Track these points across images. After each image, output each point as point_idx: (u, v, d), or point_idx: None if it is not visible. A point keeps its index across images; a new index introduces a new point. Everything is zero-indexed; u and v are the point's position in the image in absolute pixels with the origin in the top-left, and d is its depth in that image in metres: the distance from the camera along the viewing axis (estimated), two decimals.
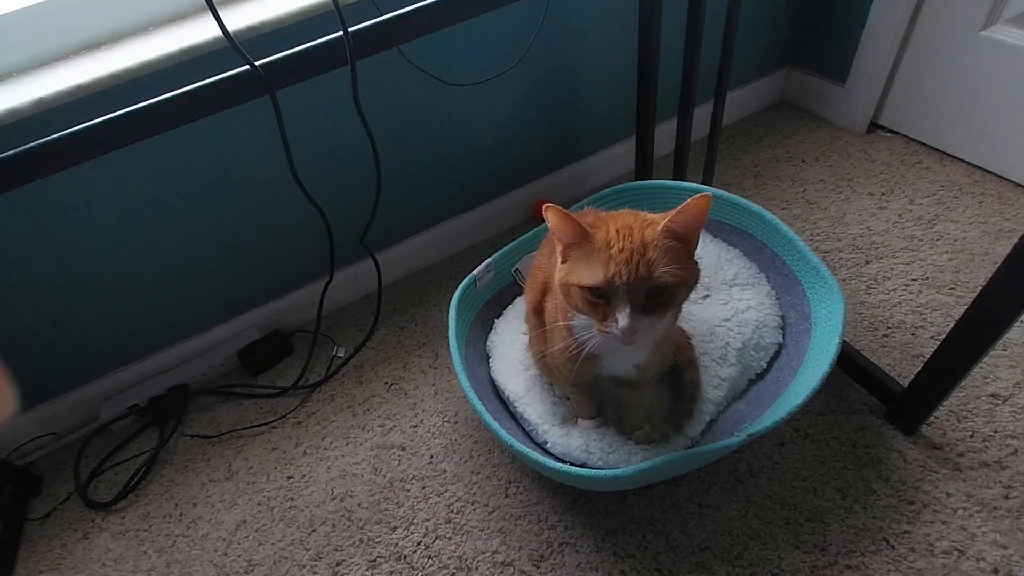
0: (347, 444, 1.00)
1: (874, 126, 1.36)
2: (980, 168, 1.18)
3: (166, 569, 0.90)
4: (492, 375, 0.95)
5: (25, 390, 1.09)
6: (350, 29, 0.76)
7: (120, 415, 1.10)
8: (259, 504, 0.95)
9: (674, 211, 0.57)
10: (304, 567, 0.86)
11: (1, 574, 0.95)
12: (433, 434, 0.98)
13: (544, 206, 0.59)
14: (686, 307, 0.95)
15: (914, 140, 1.29)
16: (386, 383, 1.09)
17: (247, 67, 0.75)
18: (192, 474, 1.02)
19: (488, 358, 0.97)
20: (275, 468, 1.00)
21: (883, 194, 1.19)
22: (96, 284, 1.02)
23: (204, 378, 1.16)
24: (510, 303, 1.04)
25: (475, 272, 0.98)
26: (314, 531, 0.90)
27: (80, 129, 0.71)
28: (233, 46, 0.73)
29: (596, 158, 1.37)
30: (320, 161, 1.05)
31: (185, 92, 0.74)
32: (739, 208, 0.96)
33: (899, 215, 1.14)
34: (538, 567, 0.79)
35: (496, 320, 1.02)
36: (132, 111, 0.73)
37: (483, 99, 1.14)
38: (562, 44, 1.15)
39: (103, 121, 0.72)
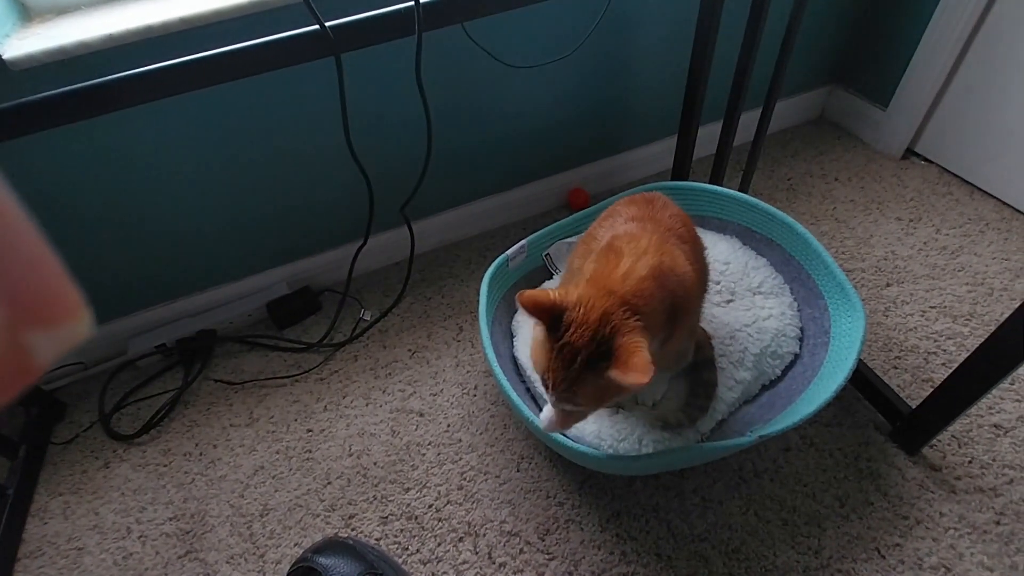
0: (367, 404, 1.04)
1: (910, 152, 1.37)
2: (1009, 206, 1.20)
3: (183, 504, 0.94)
4: (515, 354, 0.98)
5: None
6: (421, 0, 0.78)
7: (147, 352, 1.14)
8: (277, 452, 0.99)
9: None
10: (318, 516, 0.90)
11: (24, 490, 0.99)
12: (452, 404, 1.02)
13: (517, 296, 0.59)
14: (710, 309, 0.98)
15: (947, 171, 1.30)
16: (409, 350, 1.12)
17: (316, 27, 0.77)
18: (214, 417, 1.06)
19: (512, 337, 1.00)
20: (295, 420, 1.03)
21: (911, 220, 1.21)
22: (133, 223, 1.04)
23: (231, 326, 1.19)
24: (538, 286, 1.07)
25: (509, 252, 1.01)
26: (329, 483, 0.93)
27: (146, 71, 0.73)
28: (306, 5, 0.75)
29: (635, 153, 1.38)
30: (371, 128, 1.07)
31: (253, 45, 0.76)
32: (771, 218, 0.99)
33: (924, 243, 1.16)
34: (543, 540, 0.83)
35: None
36: (200, 58, 0.74)
37: (535, 83, 1.15)
38: (619, 38, 1.16)
39: (169, 65, 0.74)
